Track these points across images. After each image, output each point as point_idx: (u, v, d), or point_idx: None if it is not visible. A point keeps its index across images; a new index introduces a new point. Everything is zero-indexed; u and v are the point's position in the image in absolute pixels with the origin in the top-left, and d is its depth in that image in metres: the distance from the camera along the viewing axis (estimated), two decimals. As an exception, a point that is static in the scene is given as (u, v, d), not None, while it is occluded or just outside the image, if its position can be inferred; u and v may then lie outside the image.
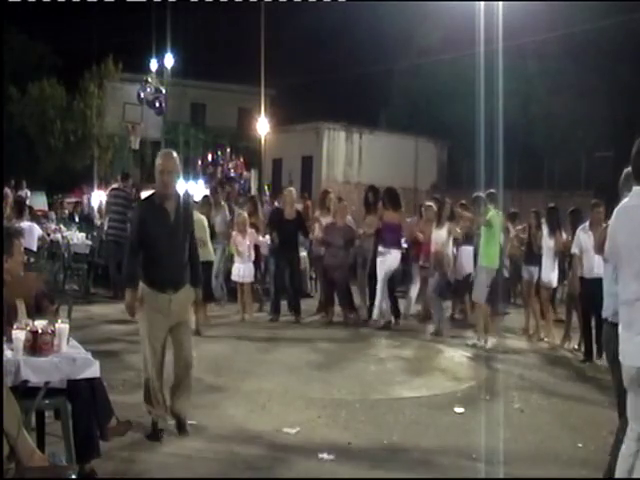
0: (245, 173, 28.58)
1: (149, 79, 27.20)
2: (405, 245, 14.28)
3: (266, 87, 30.08)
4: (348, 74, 38.79)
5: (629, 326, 4.71)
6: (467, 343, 12.17)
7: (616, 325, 5.08)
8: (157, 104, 26.00)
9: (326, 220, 14.20)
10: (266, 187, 28.70)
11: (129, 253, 6.99)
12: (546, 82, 32.67)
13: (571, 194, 25.93)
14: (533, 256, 13.19)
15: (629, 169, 5.20)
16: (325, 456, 6.41)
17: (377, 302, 13.31)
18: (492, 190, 13.74)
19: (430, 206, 14.00)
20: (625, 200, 4.97)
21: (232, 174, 27.28)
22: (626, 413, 5.05)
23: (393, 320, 13.47)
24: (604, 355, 6.79)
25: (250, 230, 13.61)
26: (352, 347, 11.71)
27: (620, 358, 4.81)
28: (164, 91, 26.80)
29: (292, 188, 15.45)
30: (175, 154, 6.94)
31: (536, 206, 15.62)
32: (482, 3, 19.48)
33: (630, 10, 28.40)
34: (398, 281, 14.34)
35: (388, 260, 13.21)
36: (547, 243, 12.83)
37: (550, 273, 12.82)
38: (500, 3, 19.17)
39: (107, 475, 5.60)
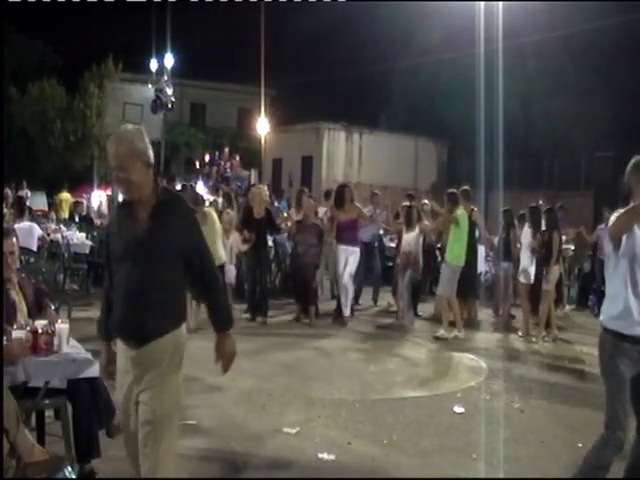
0: (244, 172, 28.63)
1: (162, 80, 27.20)
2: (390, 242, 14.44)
3: (266, 87, 30.13)
4: (348, 74, 38.85)
5: None
6: (439, 335, 12.51)
7: (611, 332, 5.03)
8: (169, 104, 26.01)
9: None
10: (265, 187, 28.69)
11: (103, 286, 4.85)
12: (546, 82, 32.69)
13: (571, 194, 25.93)
14: (508, 253, 13.70)
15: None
16: (325, 456, 6.42)
17: (343, 300, 13.52)
18: (466, 187, 14.20)
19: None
20: None
21: (228, 174, 27.33)
22: (614, 425, 5.03)
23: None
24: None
25: (234, 232, 13.53)
26: (351, 347, 11.70)
27: None
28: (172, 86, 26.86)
29: (262, 185, 15.64)
30: (135, 133, 4.42)
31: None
32: (482, 3, 19.49)
33: (630, 10, 28.42)
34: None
35: (342, 257, 13.42)
36: (526, 240, 13.07)
37: (527, 269, 13.05)
38: (500, 3, 19.18)
39: (107, 475, 5.60)
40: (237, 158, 29.16)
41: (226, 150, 29.03)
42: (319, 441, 6.81)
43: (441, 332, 12.62)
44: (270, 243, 15.30)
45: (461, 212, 12.92)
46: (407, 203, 14.58)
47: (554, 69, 32.38)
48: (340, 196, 13.84)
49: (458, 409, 8.17)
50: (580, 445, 7.09)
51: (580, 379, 10.24)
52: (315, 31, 39.59)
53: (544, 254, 13.04)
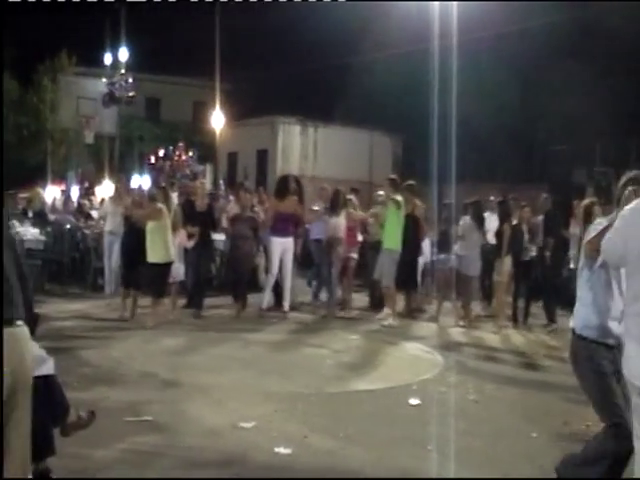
0: (199, 167, 28.49)
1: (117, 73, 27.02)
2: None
3: (221, 81, 30.02)
4: (304, 68, 38.73)
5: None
6: (382, 324, 12.95)
7: (585, 339, 5.04)
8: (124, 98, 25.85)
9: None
10: (221, 181, 28.63)
11: None
12: (501, 76, 32.87)
13: (525, 187, 26.16)
14: (446, 245, 13.95)
15: (633, 174, 5.02)
16: (281, 450, 6.40)
17: (284, 294, 13.70)
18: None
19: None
20: (637, 202, 4.42)
21: (183, 169, 27.20)
22: (615, 426, 4.91)
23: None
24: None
25: (181, 230, 13.32)
26: (308, 340, 11.74)
27: (629, 376, 4.28)
28: (130, 80, 26.70)
29: (204, 180, 15.66)
30: None
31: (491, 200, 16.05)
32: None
33: (585, 5, 28.76)
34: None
35: (277, 249, 13.47)
36: (469, 234, 13.33)
37: (470, 263, 13.31)
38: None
39: (62, 473, 5.56)
40: (190, 153, 29.01)
41: (180, 145, 28.85)
42: (275, 435, 6.80)
43: (389, 321, 13.00)
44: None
45: (400, 198, 13.20)
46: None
47: (509, 64, 32.57)
48: (281, 188, 13.90)
49: (414, 401, 8.21)
50: (534, 435, 7.22)
51: (534, 370, 10.38)
52: (271, 25, 39.52)
53: (496, 246, 13.35)
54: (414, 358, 10.90)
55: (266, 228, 13.70)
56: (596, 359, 5.00)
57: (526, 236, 13.61)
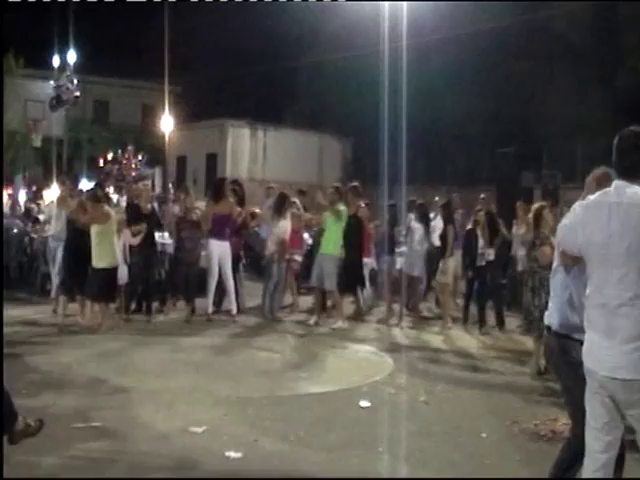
0: (148, 171, 28.32)
1: (64, 75, 26.68)
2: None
3: (170, 84, 29.86)
4: (253, 71, 38.73)
5: (610, 334, 4.24)
6: (332, 327, 13.12)
7: (560, 335, 4.99)
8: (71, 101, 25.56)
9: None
10: (170, 185, 28.45)
11: None
12: (449, 79, 33.14)
13: (474, 189, 26.39)
14: (391, 246, 14.26)
15: (599, 171, 5.09)
16: (232, 454, 6.39)
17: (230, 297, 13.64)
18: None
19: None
20: (599, 196, 4.46)
21: (131, 173, 27.03)
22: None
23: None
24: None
25: (125, 230, 13.17)
26: (257, 344, 11.71)
27: (592, 366, 4.34)
28: (75, 82, 26.39)
29: (148, 182, 15.59)
30: None
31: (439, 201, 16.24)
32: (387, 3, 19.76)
33: (532, 9, 29.13)
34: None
35: (215, 252, 13.45)
36: (414, 235, 13.52)
37: (415, 264, 13.48)
38: (405, 2, 19.46)
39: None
40: (139, 157, 28.83)
41: (129, 148, 28.64)
42: (226, 439, 6.78)
43: (338, 324, 13.16)
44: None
45: (343, 207, 13.39)
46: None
47: (457, 67, 32.85)
48: (216, 190, 13.92)
49: (364, 403, 8.23)
50: (484, 435, 7.28)
51: (483, 371, 10.45)
52: (220, 27, 39.45)
53: (440, 247, 13.61)
54: (364, 360, 10.92)
55: (203, 231, 13.73)
56: (572, 353, 4.98)
57: (481, 241, 13.66)
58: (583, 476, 4.52)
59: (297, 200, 15.09)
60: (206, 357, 10.59)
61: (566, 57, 28.42)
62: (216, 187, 14.11)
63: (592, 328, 4.37)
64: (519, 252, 14.22)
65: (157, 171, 30.58)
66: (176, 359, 10.28)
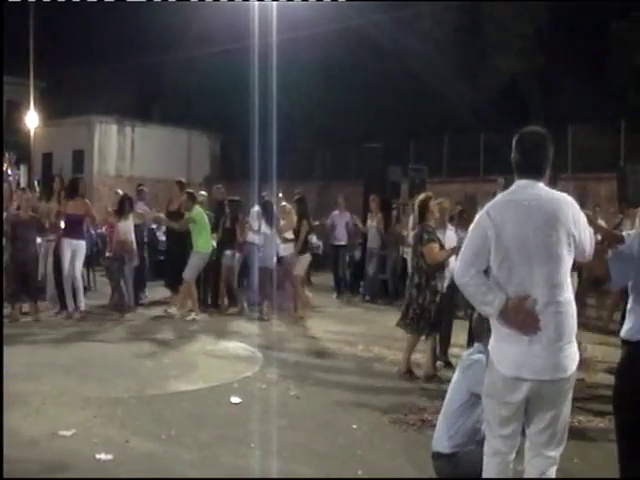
0: (14, 169, 27.46)
1: None
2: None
3: (36, 79, 29.26)
4: (120, 66, 38.14)
5: (537, 336, 4.21)
6: (186, 319, 13.61)
7: None
8: None
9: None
10: (36, 183, 27.71)
11: None
12: (319, 75, 33.38)
13: (342, 184, 26.75)
14: (232, 242, 14.88)
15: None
16: (103, 456, 6.28)
17: (68, 294, 13.54)
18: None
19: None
20: (504, 195, 4.48)
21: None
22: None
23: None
24: None
25: None
26: (126, 343, 11.60)
27: (517, 373, 4.27)
28: None
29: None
30: None
31: (309, 196, 16.53)
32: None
33: (402, 7, 29.70)
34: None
35: (69, 249, 13.43)
36: (260, 227, 14.28)
37: (266, 256, 14.22)
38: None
39: None
40: (7, 155, 27.96)
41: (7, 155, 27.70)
42: (96, 441, 6.66)
43: (172, 309, 13.91)
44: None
45: (198, 211, 14.02)
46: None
47: (327, 63, 33.13)
48: (71, 188, 13.88)
49: (235, 400, 8.24)
50: (355, 427, 7.41)
51: (352, 363, 10.60)
52: (87, 22, 38.67)
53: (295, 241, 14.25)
54: (234, 357, 10.91)
55: (56, 230, 13.69)
56: None
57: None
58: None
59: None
60: (76, 357, 10.37)
61: (432, 54, 29.02)
62: (69, 186, 14.01)
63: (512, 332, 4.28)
64: (375, 244, 16.94)
65: (22, 169, 29.75)
66: (40, 362, 10.00)
